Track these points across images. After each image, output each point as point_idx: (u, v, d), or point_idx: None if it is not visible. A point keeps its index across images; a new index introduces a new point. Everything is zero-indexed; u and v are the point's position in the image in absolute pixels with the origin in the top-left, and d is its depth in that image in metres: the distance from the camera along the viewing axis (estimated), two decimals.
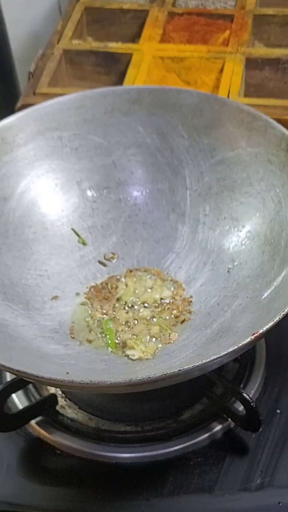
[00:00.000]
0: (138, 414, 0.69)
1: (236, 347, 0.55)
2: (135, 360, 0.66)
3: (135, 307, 0.71)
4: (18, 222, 0.73)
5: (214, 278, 0.72)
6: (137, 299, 0.72)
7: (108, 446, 0.67)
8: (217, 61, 0.94)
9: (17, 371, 0.55)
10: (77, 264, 0.75)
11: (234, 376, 0.71)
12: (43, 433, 0.68)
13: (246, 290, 0.68)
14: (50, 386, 0.70)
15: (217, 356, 0.54)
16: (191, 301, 0.71)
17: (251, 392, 0.69)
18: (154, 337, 0.68)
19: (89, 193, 0.77)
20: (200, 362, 0.53)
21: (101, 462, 0.66)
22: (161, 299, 0.72)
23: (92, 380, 0.53)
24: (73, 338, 0.69)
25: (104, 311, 0.71)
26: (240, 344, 0.55)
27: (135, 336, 0.68)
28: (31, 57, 0.97)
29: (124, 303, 0.72)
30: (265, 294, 0.65)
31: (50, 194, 0.76)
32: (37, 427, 0.68)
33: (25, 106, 0.79)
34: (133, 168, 0.78)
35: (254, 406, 0.63)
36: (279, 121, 0.71)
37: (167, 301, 0.72)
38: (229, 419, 0.67)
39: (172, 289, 0.73)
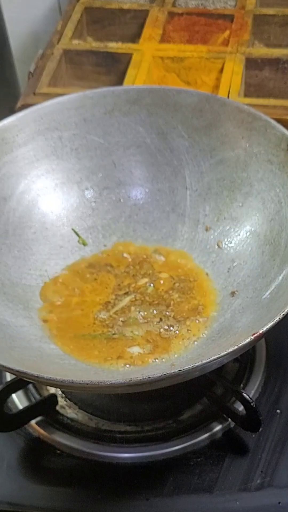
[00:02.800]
0: (138, 414, 0.69)
1: (236, 347, 0.55)
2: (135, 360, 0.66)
3: (136, 308, 0.71)
4: (18, 222, 0.73)
5: (214, 278, 0.72)
6: (137, 300, 0.72)
7: (108, 446, 0.67)
8: (217, 61, 0.94)
9: (17, 371, 0.55)
10: None
11: (234, 376, 0.71)
12: (43, 433, 0.68)
13: (246, 290, 0.68)
14: (50, 386, 0.70)
15: (217, 356, 0.54)
16: None
17: (251, 392, 0.69)
18: (154, 337, 0.68)
19: (89, 193, 0.77)
20: (200, 362, 0.53)
21: (101, 462, 0.66)
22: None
23: (92, 380, 0.53)
24: None
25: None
26: (240, 344, 0.55)
27: (134, 338, 0.68)
28: (31, 57, 0.97)
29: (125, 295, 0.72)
30: (265, 294, 0.65)
31: (50, 194, 0.76)
32: (37, 427, 0.68)
33: (25, 106, 0.80)
34: (133, 168, 0.78)
35: (254, 406, 0.63)
36: (279, 121, 0.71)
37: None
38: (229, 419, 0.67)
39: None
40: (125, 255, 0.75)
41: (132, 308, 0.70)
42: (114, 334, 0.68)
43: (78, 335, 0.68)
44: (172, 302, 0.70)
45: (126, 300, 0.70)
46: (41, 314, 0.69)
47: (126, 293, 0.71)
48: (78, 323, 0.69)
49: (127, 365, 0.65)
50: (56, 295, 0.71)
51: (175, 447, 0.66)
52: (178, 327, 0.68)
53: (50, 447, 0.67)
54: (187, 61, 0.95)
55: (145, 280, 0.72)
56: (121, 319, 0.69)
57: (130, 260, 0.74)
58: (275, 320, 0.56)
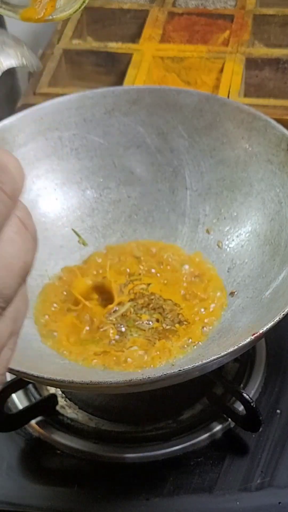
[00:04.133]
0: (138, 414, 0.69)
1: (236, 347, 0.55)
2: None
3: (135, 309, 0.71)
4: None
5: None
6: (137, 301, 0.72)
7: (108, 446, 0.67)
8: (217, 61, 0.94)
9: (17, 371, 0.55)
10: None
11: (234, 376, 0.71)
12: (43, 433, 0.68)
13: (246, 290, 0.68)
14: (50, 386, 0.70)
15: (217, 356, 0.54)
16: None
17: (251, 392, 0.69)
18: (155, 339, 0.68)
19: (89, 193, 0.77)
20: (200, 362, 0.53)
21: (101, 462, 0.66)
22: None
23: (92, 380, 0.53)
24: None
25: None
26: (240, 344, 0.55)
27: (135, 340, 0.68)
28: None
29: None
30: (265, 294, 0.65)
31: (50, 194, 0.76)
32: (37, 427, 0.68)
33: (25, 106, 0.79)
34: (133, 168, 0.78)
35: (254, 406, 0.63)
36: (279, 121, 0.71)
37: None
38: (229, 419, 0.67)
39: None
40: (126, 256, 0.75)
41: (132, 310, 0.70)
42: (115, 336, 0.68)
43: (79, 339, 0.68)
44: (172, 304, 0.71)
45: (127, 305, 0.70)
46: (41, 319, 0.69)
47: (128, 297, 0.71)
48: (79, 327, 0.69)
49: (127, 363, 0.65)
50: (55, 299, 0.71)
51: (175, 447, 0.66)
52: (179, 328, 0.68)
53: (50, 447, 0.67)
54: (187, 61, 0.95)
55: (146, 281, 0.72)
56: (122, 322, 0.69)
57: (130, 261, 0.74)
58: (275, 320, 0.56)
